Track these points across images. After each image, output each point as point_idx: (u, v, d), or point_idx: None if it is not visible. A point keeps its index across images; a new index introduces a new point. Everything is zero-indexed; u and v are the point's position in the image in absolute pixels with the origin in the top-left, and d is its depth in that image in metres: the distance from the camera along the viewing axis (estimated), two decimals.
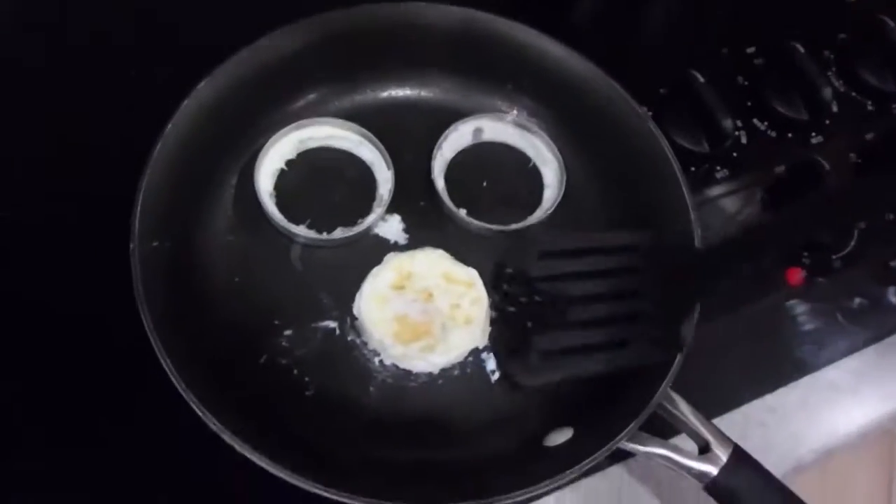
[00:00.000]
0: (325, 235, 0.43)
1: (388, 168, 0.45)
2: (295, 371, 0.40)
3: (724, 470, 0.37)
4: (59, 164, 0.44)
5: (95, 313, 0.40)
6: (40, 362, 0.40)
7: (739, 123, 0.54)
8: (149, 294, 0.36)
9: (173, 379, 0.34)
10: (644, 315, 0.41)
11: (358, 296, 0.41)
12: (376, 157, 0.46)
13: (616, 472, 0.42)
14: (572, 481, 0.41)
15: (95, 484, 0.38)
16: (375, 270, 0.42)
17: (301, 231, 0.43)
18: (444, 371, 0.42)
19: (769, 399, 0.46)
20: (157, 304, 0.36)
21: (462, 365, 0.42)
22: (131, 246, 0.36)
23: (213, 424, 0.33)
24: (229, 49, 0.43)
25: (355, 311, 0.41)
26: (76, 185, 0.44)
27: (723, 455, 0.37)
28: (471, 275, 0.42)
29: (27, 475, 0.37)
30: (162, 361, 0.34)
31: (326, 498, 0.33)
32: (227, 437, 0.33)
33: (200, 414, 0.33)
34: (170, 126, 0.39)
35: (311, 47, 0.46)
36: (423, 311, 0.41)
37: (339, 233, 0.43)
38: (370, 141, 0.46)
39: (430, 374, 0.42)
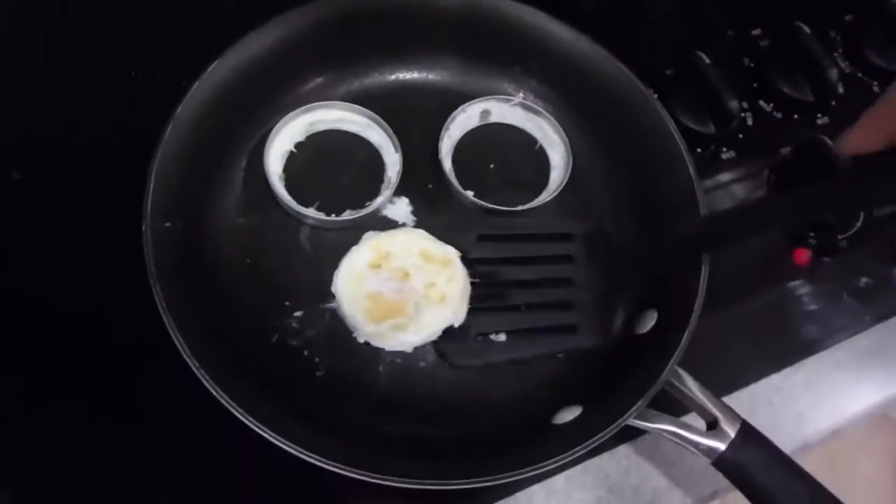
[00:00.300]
0: (333, 217, 0.44)
1: (396, 151, 0.45)
2: (305, 352, 0.41)
3: (732, 445, 0.37)
4: (59, 164, 0.45)
5: (104, 306, 0.41)
6: (50, 355, 0.40)
7: (745, 105, 0.54)
8: (161, 273, 0.36)
9: (186, 357, 0.34)
10: (580, 302, 0.42)
11: (336, 274, 0.41)
12: (384, 140, 0.46)
13: (624, 451, 0.42)
14: (581, 459, 0.41)
15: (105, 467, 0.38)
16: (354, 249, 0.42)
17: (310, 213, 0.43)
18: None
19: (775, 379, 0.46)
20: (170, 284, 0.36)
21: None
22: (143, 226, 0.37)
23: (225, 401, 0.33)
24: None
25: (333, 289, 0.41)
26: (76, 185, 0.44)
27: (731, 431, 0.37)
28: (448, 253, 0.42)
29: (34, 467, 0.38)
30: (175, 340, 0.34)
31: (335, 473, 0.33)
32: (239, 414, 0.33)
33: (212, 390, 0.34)
34: (180, 108, 0.39)
35: (319, 30, 0.46)
36: (398, 290, 0.41)
37: (348, 215, 0.44)
38: (378, 124, 0.46)
39: (438, 354, 0.42)
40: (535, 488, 0.41)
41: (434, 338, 0.41)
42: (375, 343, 0.41)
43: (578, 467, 0.41)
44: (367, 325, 0.40)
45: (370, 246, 0.42)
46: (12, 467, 0.37)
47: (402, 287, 0.41)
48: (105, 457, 0.38)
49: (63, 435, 0.38)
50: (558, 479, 0.41)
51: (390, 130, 0.45)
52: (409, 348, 0.41)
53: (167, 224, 0.38)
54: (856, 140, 0.33)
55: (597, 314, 0.42)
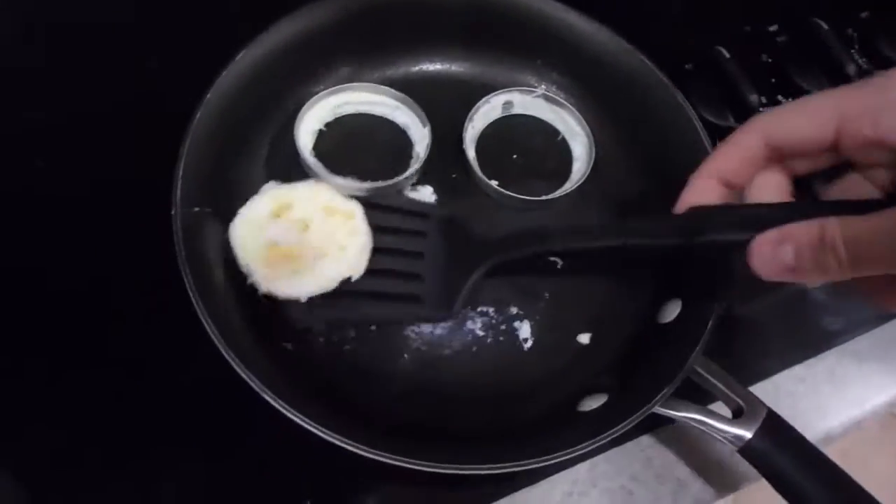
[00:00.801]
0: (367, 184, 0.44)
1: (424, 125, 0.46)
2: (332, 337, 0.41)
3: (758, 433, 0.37)
4: (84, 151, 0.45)
5: (130, 293, 0.41)
6: (74, 343, 0.40)
7: (764, 99, 0.54)
8: (191, 258, 0.36)
9: (213, 337, 0.34)
10: (428, 276, 0.42)
11: (232, 221, 0.40)
12: (412, 120, 0.47)
13: (648, 440, 0.42)
14: (605, 448, 0.41)
15: (125, 454, 0.38)
16: (254, 198, 0.41)
17: (341, 181, 0.43)
18: (477, 339, 0.42)
19: (798, 370, 0.46)
20: (199, 269, 0.36)
21: (495, 333, 0.43)
22: (173, 211, 0.37)
23: (255, 384, 0.33)
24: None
25: (229, 236, 0.40)
26: (101, 173, 0.44)
27: (756, 419, 0.37)
28: (351, 208, 0.42)
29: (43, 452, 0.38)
30: (204, 323, 0.35)
31: (355, 455, 0.33)
32: (270, 398, 0.33)
33: (241, 373, 0.34)
34: (209, 94, 0.40)
35: (344, 21, 0.46)
36: (297, 239, 0.40)
37: (379, 184, 0.44)
38: (405, 104, 0.46)
39: (462, 343, 0.42)
40: (558, 476, 0.41)
41: (329, 289, 0.40)
42: (269, 288, 0.39)
43: (602, 456, 0.41)
44: (261, 270, 0.39)
45: (271, 195, 0.41)
46: (20, 451, 0.37)
47: (300, 237, 0.40)
48: (124, 441, 0.38)
49: (84, 421, 0.39)
50: (581, 468, 0.41)
51: (417, 107, 0.46)
52: (303, 297, 0.40)
53: (196, 209, 0.38)
54: (693, 194, 0.35)
55: (443, 289, 0.42)
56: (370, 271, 0.41)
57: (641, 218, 0.44)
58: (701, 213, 0.35)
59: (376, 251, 0.41)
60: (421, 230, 0.43)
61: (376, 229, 0.42)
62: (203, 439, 0.39)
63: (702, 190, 0.35)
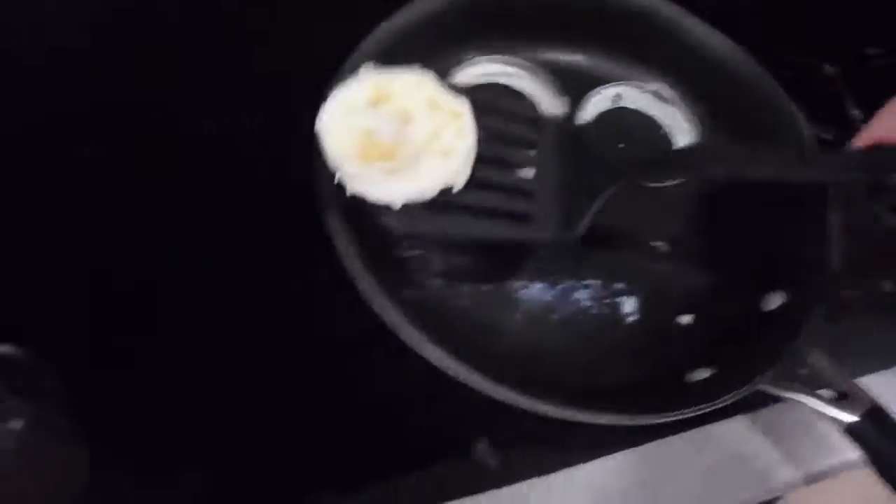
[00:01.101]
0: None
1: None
2: (447, 289, 0.43)
3: (864, 417, 0.38)
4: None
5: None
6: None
7: (863, 115, 0.56)
8: (337, 225, 0.38)
9: (363, 281, 0.37)
10: (544, 193, 0.38)
11: (323, 107, 0.34)
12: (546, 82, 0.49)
13: (742, 421, 0.43)
14: (702, 423, 0.42)
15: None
16: (350, 82, 0.35)
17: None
18: (582, 309, 0.44)
19: (886, 375, 0.47)
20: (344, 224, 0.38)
21: (599, 306, 0.44)
22: (320, 175, 0.37)
23: (401, 314, 0.36)
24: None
25: (317, 127, 0.34)
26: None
27: (862, 406, 0.38)
28: (460, 105, 0.36)
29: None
30: (353, 270, 0.37)
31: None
32: (414, 329, 0.36)
33: (378, 310, 0.36)
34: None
35: (468, 8, 0.48)
36: (396, 133, 0.34)
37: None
38: (529, 71, 0.49)
39: (569, 311, 0.44)
40: (656, 446, 0.42)
41: (427, 196, 0.35)
42: (358, 189, 0.35)
43: (700, 431, 0.43)
44: (352, 164, 0.34)
45: (370, 81, 0.35)
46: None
47: (401, 130, 0.34)
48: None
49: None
50: (680, 442, 0.42)
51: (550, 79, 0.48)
52: (397, 203, 0.35)
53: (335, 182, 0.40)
54: (879, 128, 0.32)
55: (562, 209, 0.38)
56: (475, 183, 0.36)
57: (812, 150, 0.39)
58: (890, 150, 0.32)
59: (481, 160, 0.36)
60: (534, 140, 0.38)
61: (482, 134, 0.36)
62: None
63: (890, 124, 0.32)
